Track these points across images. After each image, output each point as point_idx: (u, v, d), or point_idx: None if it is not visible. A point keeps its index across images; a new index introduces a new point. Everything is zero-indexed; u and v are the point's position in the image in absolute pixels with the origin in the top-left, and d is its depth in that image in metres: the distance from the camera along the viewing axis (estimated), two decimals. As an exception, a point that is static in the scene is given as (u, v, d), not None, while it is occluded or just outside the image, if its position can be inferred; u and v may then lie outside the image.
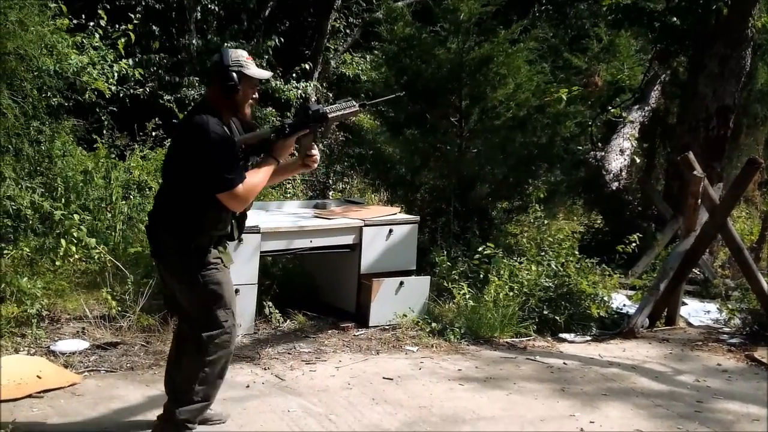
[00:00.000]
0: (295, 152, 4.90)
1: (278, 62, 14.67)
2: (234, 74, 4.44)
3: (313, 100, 6.49)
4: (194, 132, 4.42)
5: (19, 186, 8.40)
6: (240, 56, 4.51)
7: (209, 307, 4.62)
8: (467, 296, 8.03)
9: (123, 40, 9.57)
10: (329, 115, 4.74)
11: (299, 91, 13.70)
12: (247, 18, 15.56)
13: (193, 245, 4.53)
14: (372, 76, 11.92)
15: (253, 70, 4.56)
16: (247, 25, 15.50)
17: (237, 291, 5.62)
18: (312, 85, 14.20)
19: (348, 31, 16.79)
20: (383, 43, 10.89)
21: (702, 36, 11.24)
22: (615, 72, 14.21)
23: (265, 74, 4.75)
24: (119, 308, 7.15)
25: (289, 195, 11.79)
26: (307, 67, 14.40)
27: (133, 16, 9.98)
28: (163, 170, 4.75)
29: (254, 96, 4.68)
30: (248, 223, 5.20)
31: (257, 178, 4.55)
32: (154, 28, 13.44)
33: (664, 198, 11.78)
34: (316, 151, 4.84)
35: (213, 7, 14.49)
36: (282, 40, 14.92)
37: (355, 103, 4.92)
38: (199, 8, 14.24)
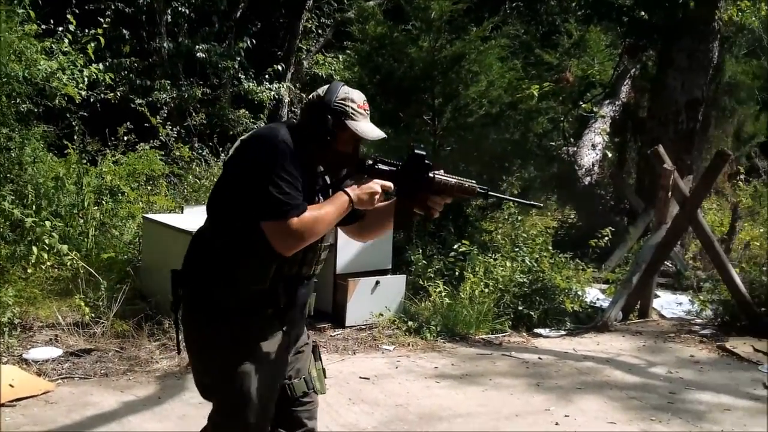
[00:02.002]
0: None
1: (251, 64, 14.65)
2: (330, 118, 3.19)
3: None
4: (252, 142, 3.18)
5: (-11, 194, 8.34)
6: (351, 99, 3.24)
7: (225, 410, 3.27)
8: (443, 294, 8.06)
9: (93, 44, 9.50)
10: (436, 179, 3.30)
11: (272, 93, 13.71)
12: (219, 20, 15.50)
13: (209, 302, 3.21)
14: (345, 76, 11.92)
15: (363, 126, 3.24)
16: (218, 27, 15.45)
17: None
18: (285, 86, 14.20)
19: (320, 31, 16.78)
20: (355, 42, 10.91)
21: (670, 30, 11.34)
22: (586, 67, 14.28)
23: (376, 134, 3.25)
24: (92, 315, 7.10)
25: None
26: (280, 68, 14.38)
27: (102, 20, 9.91)
28: (210, 199, 3.30)
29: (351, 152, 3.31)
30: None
31: (319, 212, 3.11)
32: (124, 31, 13.37)
33: (636, 191, 11.89)
34: (438, 205, 3.36)
35: (184, 10, 14.42)
36: (254, 41, 14.89)
37: (474, 184, 3.38)
38: (169, 11, 14.17)
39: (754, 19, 12.12)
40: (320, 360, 3.56)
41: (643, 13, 11.72)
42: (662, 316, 8.96)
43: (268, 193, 3.01)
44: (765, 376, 6.86)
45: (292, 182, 3.05)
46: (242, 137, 3.28)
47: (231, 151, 3.27)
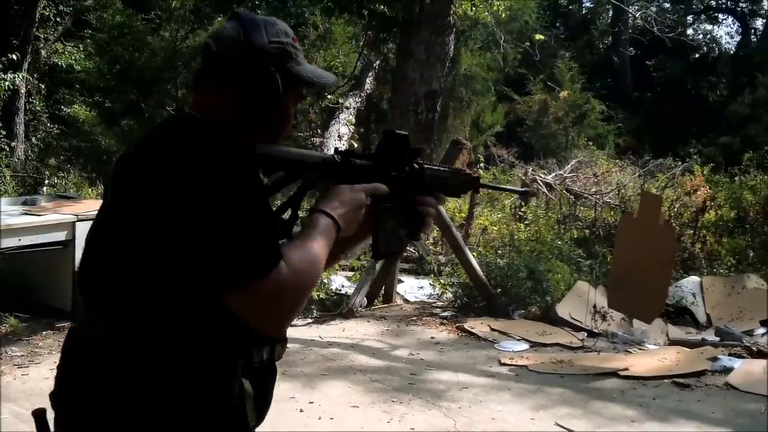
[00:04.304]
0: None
1: (-18, 52, 13.92)
2: (275, 71, 1.91)
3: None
4: (158, 183, 1.73)
5: None
6: (284, 32, 1.98)
7: None
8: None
9: None
10: (426, 170, 2.21)
11: (7, 83, 13.08)
12: (-53, 6, 14.65)
13: None
14: (86, 66, 11.58)
15: (312, 69, 2.03)
16: (-54, 13, 14.60)
17: None
18: (21, 76, 13.58)
19: (59, 19, 16.15)
20: (94, 32, 10.62)
21: (409, 23, 11.71)
22: (331, 59, 14.53)
23: (330, 77, 2.08)
24: None
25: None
26: (15, 57, 13.73)
27: None
28: (83, 281, 1.92)
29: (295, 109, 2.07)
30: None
31: (309, 249, 1.81)
32: None
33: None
34: (432, 210, 2.24)
35: None
36: (-14, 28, 14.15)
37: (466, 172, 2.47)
38: None
39: (487, 14, 12.73)
40: None
41: (383, 6, 12.04)
42: (406, 301, 9.30)
43: (223, 241, 1.68)
44: (500, 354, 7.26)
45: (254, 211, 1.73)
46: (129, 155, 1.89)
47: (112, 187, 1.87)
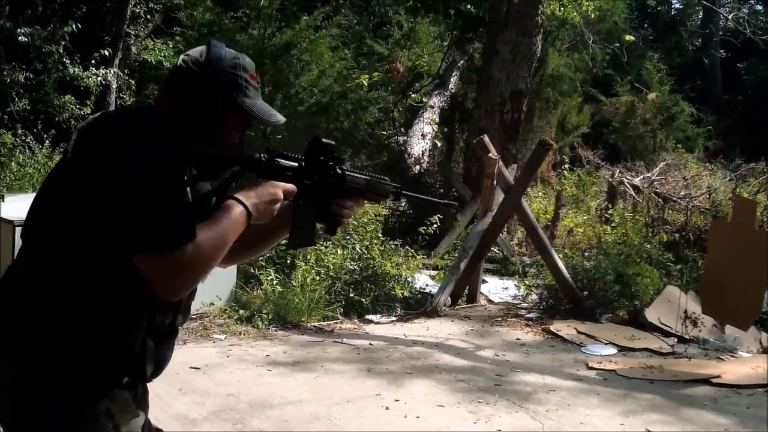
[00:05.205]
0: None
1: (76, 48, 14.21)
2: (220, 91, 2.23)
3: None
4: (110, 136, 2.10)
5: None
6: (242, 67, 2.28)
7: None
8: (274, 282, 8.05)
9: None
10: (348, 177, 2.50)
11: (99, 78, 13.35)
12: (42, 3, 14.97)
13: (50, 381, 2.12)
14: (175, 63, 11.73)
15: (260, 106, 2.30)
16: (41, 9, 14.91)
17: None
18: (112, 72, 13.85)
19: (149, 16, 16.42)
20: (184, 29, 10.76)
21: (495, 23, 11.66)
22: (415, 58, 14.53)
23: (277, 117, 2.37)
24: None
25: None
26: (107, 53, 14.00)
27: None
28: (28, 221, 2.24)
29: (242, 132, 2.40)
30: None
31: (215, 232, 2.12)
32: (-61, 13, 12.79)
33: (464, 180, 12.19)
34: (347, 211, 2.54)
35: (4, -9, 13.90)
36: (79, 25, 14.43)
37: (387, 181, 2.67)
38: (-12, -8, 13.63)
39: (575, 14, 12.60)
40: None
41: (469, 6, 12.01)
42: (490, 301, 9.23)
43: (146, 211, 2.01)
44: (587, 357, 7.16)
45: (180, 192, 2.07)
46: (84, 127, 2.23)
47: (71, 149, 2.17)
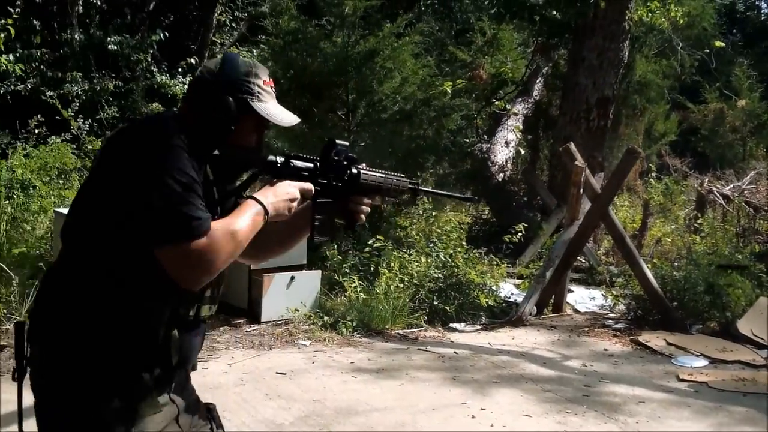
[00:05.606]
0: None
1: (163, 57, 14.47)
2: (231, 100, 2.39)
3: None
4: (134, 138, 2.31)
5: None
6: (255, 74, 2.47)
7: None
8: (358, 289, 8.05)
9: (2, 34, 9.25)
10: (362, 175, 2.67)
11: (186, 86, 13.54)
12: (131, 12, 15.29)
13: (75, 366, 2.30)
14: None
15: (273, 109, 2.48)
16: (130, 19, 15.23)
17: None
18: (198, 79, 14.04)
19: (234, 25, 16.66)
20: (269, 37, 10.84)
21: (581, 29, 11.53)
22: (499, 65, 14.43)
23: (290, 118, 2.51)
24: (5, 311, 6.93)
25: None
26: (193, 61, 14.23)
27: (12, 10, 9.68)
28: (65, 224, 2.42)
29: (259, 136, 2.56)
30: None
31: (233, 225, 2.30)
32: (35, 22, 13.09)
33: (549, 188, 12.06)
34: (364, 208, 2.73)
35: (95, 1, 14.19)
36: (167, 34, 14.70)
37: (404, 178, 2.84)
38: (80, 2, 13.92)
39: (663, 20, 12.39)
40: (221, 427, 2.71)
41: (555, 12, 11.89)
42: (576, 311, 9.10)
43: (166, 206, 2.18)
44: (677, 369, 6.99)
45: (194, 190, 2.24)
46: (111, 136, 2.41)
47: (101, 153, 2.39)
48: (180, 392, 2.46)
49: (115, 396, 2.28)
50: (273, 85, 2.52)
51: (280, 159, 2.50)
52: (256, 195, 2.40)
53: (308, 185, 2.51)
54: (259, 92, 2.45)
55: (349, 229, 2.76)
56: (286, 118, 2.50)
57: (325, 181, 2.57)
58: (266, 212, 2.38)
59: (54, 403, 2.34)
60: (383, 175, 2.73)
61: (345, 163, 2.61)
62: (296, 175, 2.51)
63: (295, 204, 2.47)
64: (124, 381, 2.30)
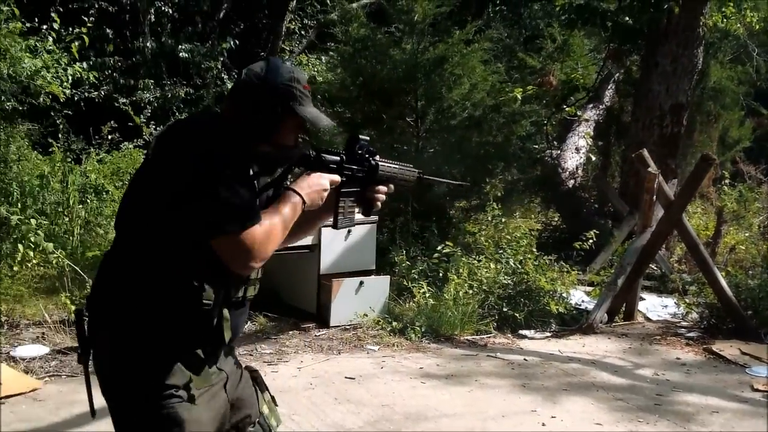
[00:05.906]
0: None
1: (233, 64, 14.64)
2: (278, 100, 2.62)
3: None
4: (184, 137, 2.54)
5: (-27, 192, 8.31)
6: (296, 79, 2.67)
7: None
8: (427, 295, 8.06)
9: (77, 43, 9.44)
10: (380, 166, 2.97)
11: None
12: (202, 20, 15.50)
13: (141, 348, 2.55)
14: (328, 78, 11.92)
15: (312, 112, 2.71)
16: (201, 27, 15.45)
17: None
18: (268, 87, 14.17)
19: (303, 32, 16.77)
20: (338, 44, 10.91)
21: (654, 35, 11.40)
22: (569, 71, 14.33)
23: (326, 121, 2.75)
24: (79, 312, 7.06)
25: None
26: (264, 68, 14.33)
27: (86, 18, 9.87)
28: (119, 214, 2.70)
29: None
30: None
31: (277, 217, 2.58)
32: (107, 30, 13.37)
33: (620, 195, 11.93)
34: (381, 195, 3.01)
35: (167, 9, 14.44)
36: (237, 42, 14.90)
37: (412, 168, 3.14)
38: (152, 10, 14.18)
39: (738, 25, 12.20)
40: (267, 390, 3.00)
41: (627, 18, 11.77)
42: (648, 319, 8.99)
43: (220, 199, 2.42)
44: (752, 379, 6.88)
45: (244, 184, 2.51)
46: (161, 134, 2.63)
47: (152, 151, 2.61)
48: (225, 364, 2.75)
49: (175, 372, 2.54)
50: (309, 89, 2.74)
51: (312, 153, 2.78)
52: (293, 186, 2.69)
53: (336, 177, 2.80)
54: (300, 96, 2.67)
55: (366, 215, 3.05)
56: (322, 120, 2.73)
57: (350, 173, 2.86)
58: (303, 202, 2.67)
59: (118, 383, 2.61)
60: (397, 166, 3.04)
61: (366, 156, 2.90)
62: (326, 167, 2.79)
63: (325, 194, 2.76)
64: (183, 357, 2.56)
